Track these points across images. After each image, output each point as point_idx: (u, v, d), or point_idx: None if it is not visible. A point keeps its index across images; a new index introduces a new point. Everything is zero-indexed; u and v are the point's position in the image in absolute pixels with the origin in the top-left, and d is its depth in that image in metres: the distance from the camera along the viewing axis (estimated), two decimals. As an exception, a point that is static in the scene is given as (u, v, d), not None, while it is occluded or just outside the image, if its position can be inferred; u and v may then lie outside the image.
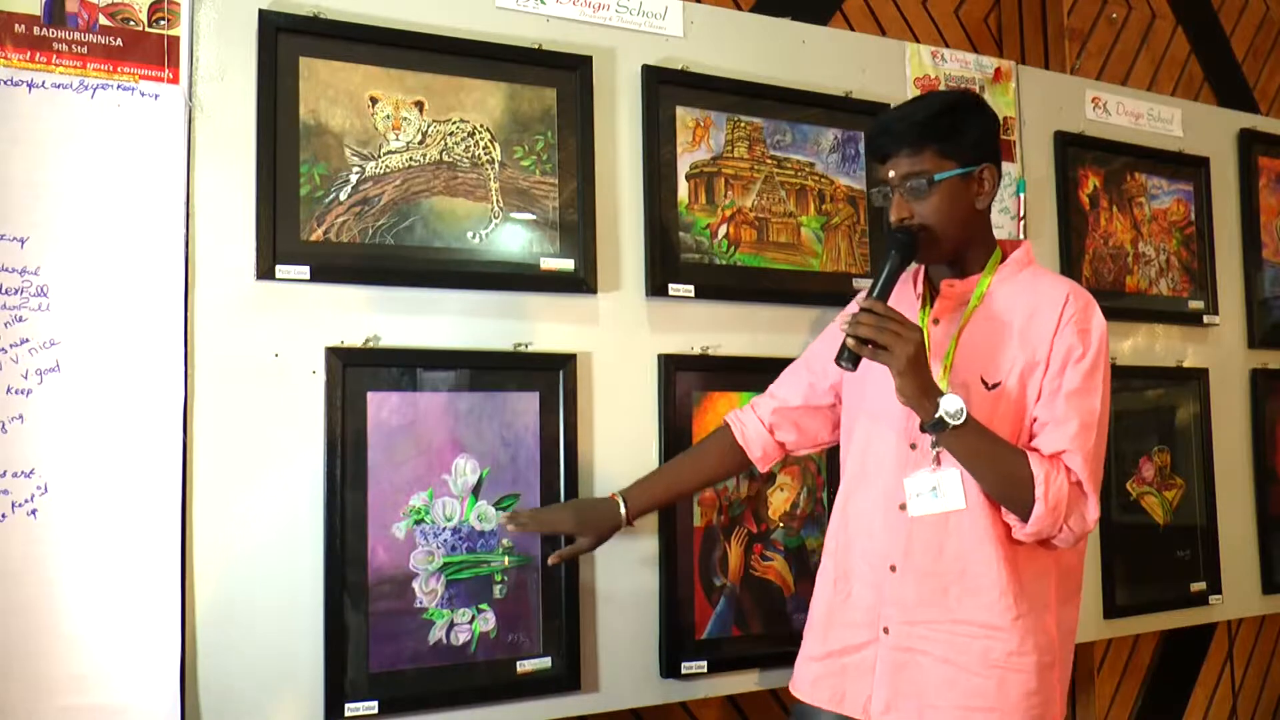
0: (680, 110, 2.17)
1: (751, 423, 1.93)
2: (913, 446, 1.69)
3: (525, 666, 1.92)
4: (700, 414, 2.13)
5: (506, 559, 1.94)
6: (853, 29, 2.81)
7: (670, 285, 2.11)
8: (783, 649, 2.16)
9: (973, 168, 1.67)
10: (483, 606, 1.91)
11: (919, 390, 1.55)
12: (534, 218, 2.01)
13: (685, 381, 2.12)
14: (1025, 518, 1.59)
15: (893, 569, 1.68)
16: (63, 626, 1.63)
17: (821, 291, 2.27)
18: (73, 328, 1.66)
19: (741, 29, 2.29)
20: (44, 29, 1.68)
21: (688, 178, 2.17)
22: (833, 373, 1.84)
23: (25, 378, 1.63)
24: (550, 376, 1.99)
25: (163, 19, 1.76)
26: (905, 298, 1.79)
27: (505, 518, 1.86)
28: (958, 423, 1.55)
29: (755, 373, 2.18)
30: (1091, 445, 1.60)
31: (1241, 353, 2.94)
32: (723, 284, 2.18)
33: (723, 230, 2.20)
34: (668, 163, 2.15)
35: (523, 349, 1.98)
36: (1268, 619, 3.42)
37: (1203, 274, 2.88)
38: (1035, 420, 1.64)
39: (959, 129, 1.67)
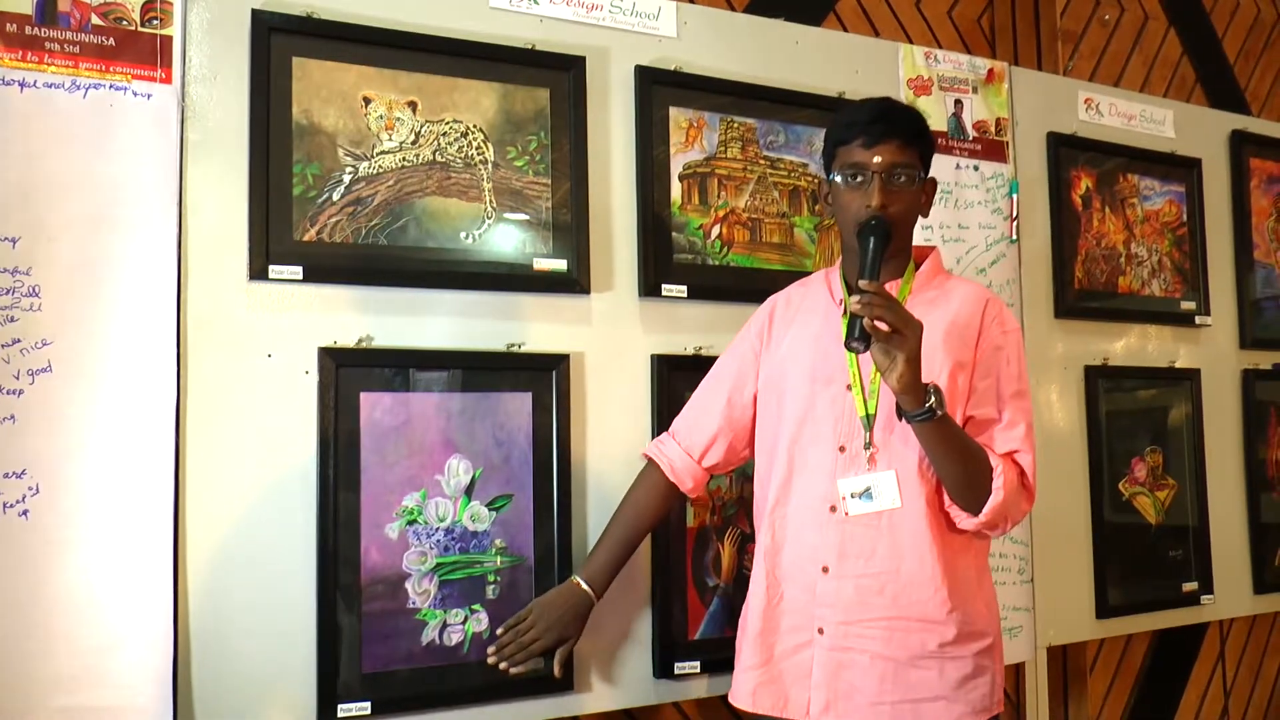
0: (673, 111, 2.18)
1: (677, 455, 1.87)
2: (841, 449, 1.70)
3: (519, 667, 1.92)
4: (693, 414, 2.13)
5: (499, 559, 1.94)
6: (846, 30, 2.81)
7: (663, 286, 2.11)
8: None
9: (925, 179, 1.75)
10: (475, 607, 1.91)
11: (917, 378, 1.53)
12: (527, 218, 2.01)
13: (678, 382, 2.11)
14: (978, 509, 1.63)
15: (825, 570, 1.69)
16: (55, 627, 1.62)
17: (815, 292, 2.28)
18: (65, 328, 1.66)
19: (735, 29, 2.29)
20: (36, 28, 1.68)
21: (681, 178, 2.18)
22: (750, 383, 1.85)
23: (17, 378, 1.63)
24: (543, 377, 1.99)
25: (155, 19, 1.75)
26: (820, 302, 1.81)
27: (492, 653, 1.82)
28: (944, 410, 1.55)
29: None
30: (1033, 441, 1.70)
31: (1233, 353, 2.95)
32: (716, 284, 2.18)
33: (716, 231, 2.20)
34: (661, 163, 2.15)
35: (516, 349, 1.98)
36: (1259, 619, 3.43)
37: (1195, 275, 2.89)
38: (972, 420, 1.69)
39: (929, 140, 1.76)
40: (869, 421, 1.69)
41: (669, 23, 2.20)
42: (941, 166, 2.47)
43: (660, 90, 2.16)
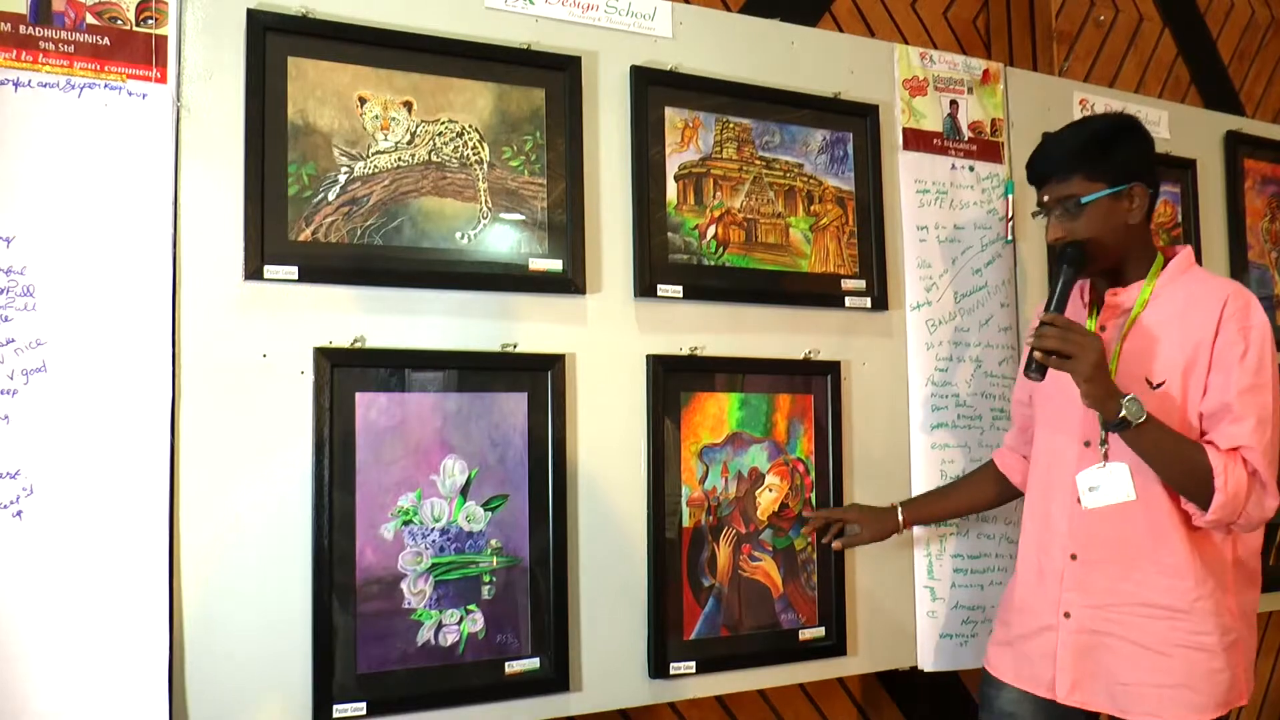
0: (669, 111, 2.18)
1: (1014, 458, 2.17)
2: (1086, 444, 1.86)
3: (514, 667, 1.92)
4: (688, 414, 2.14)
5: (495, 560, 1.94)
6: (841, 30, 2.81)
7: (658, 286, 2.11)
8: (771, 649, 2.17)
9: (1121, 187, 1.82)
10: (471, 607, 1.91)
11: (1104, 394, 1.70)
12: (522, 218, 2.01)
13: (673, 382, 2.12)
14: (1205, 506, 1.71)
15: (1073, 558, 1.85)
16: (49, 627, 1.62)
17: (810, 292, 2.28)
18: (59, 328, 1.66)
19: (730, 30, 2.29)
20: (30, 28, 1.67)
21: (676, 178, 2.18)
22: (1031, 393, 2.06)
23: (11, 378, 1.62)
24: (538, 377, 1.99)
25: (150, 18, 1.75)
26: (1072, 308, 1.93)
27: (808, 512, 2.20)
28: (1139, 421, 1.69)
29: (743, 374, 2.19)
30: (1268, 439, 1.73)
31: (1227, 353, 2.94)
32: (711, 285, 2.18)
33: (711, 231, 2.20)
34: (656, 163, 2.15)
35: (511, 349, 1.98)
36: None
37: (1189, 275, 2.89)
38: (1204, 416, 1.77)
39: (1107, 153, 1.83)
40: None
41: (664, 23, 2.20)
42: (937, 167, 2.48)
43: (656, 90, 2.16)
